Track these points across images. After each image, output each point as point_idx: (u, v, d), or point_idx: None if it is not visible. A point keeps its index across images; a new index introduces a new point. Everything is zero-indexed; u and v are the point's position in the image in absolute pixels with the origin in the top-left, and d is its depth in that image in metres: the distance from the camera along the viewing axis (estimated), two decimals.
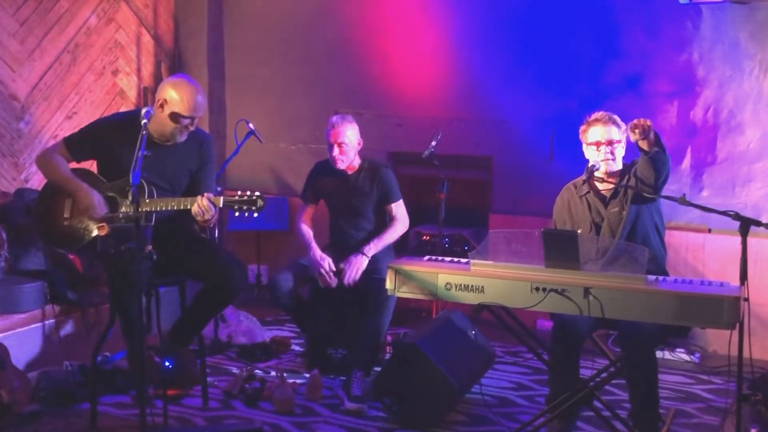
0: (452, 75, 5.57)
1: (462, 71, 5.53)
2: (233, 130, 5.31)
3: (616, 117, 3.66)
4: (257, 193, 3.44)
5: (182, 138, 3.66)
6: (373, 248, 4.25)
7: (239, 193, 3.46)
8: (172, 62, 6.18)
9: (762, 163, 4.79)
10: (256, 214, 3.45)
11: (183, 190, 3.74)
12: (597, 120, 3.66)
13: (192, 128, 3.66)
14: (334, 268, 4.24)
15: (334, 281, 4.23)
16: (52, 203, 3.68)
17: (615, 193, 3.64)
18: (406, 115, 5.71)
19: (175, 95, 3.57)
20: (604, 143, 3.62)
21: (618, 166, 3.67)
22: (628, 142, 3.62)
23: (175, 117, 3.57)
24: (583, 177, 3.65)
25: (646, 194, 3.50)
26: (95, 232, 3.59)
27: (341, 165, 4.35)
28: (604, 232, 3.64)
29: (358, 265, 4.20)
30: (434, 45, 5.60)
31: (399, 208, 4.43)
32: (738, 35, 4.78)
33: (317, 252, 4.29)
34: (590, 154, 3.68)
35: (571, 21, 5.18)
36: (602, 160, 3.63)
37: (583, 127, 3.71)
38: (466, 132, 5.51)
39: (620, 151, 3.66)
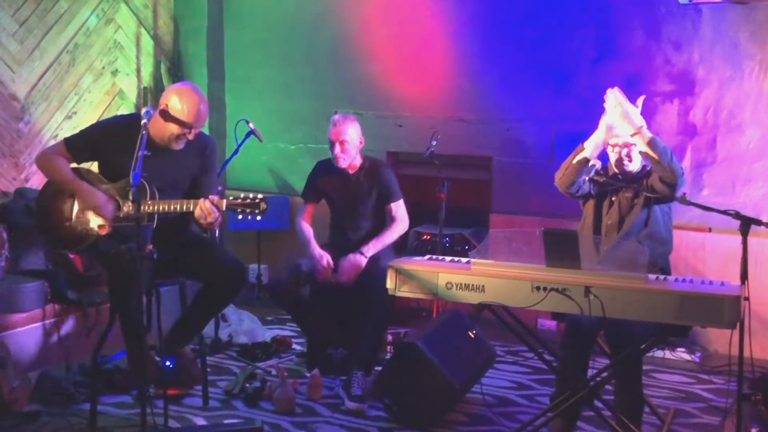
0: (452, 75, 5.57)
1: (462, 71, 5.54)
2: (233, 130, 5.32)
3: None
4: (260, 196, 3.41)
5: (179, 146, 3.62)
6: (372, 248, 4.26)
7: (242, 195, 3.43)
8: (172, 62, 6.18)
9: (762, 163, 4.79)
10: (259, 218, 3.42)
11: (185, 192, 3.72)
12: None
13: (191, 137, 3.61)
14: (333, 265, 4.25)
15: (332, 277, 4.24)
16: (54, 203, 3.67)
17: (632, 180, 3.68)
18: (406, 115, 5.71)
19: (177, 102, 3.55)
20: (620, 146, 3.65)
21: (635, 166, 3.70)
22: None
23: (174, 124, 3.56)
24: (585, 177, 3.65)
25: (663, 196, 3.58)
26: (97, 232, 3.58)
27: (343, 163, 4.35)
28: (612, 213, 3.67)
29: (356, 264, 4.21)
30: (434, 45, 5.60)
31: (399, 208, 4.43)
32: (738, 35, 4.78)
33: (316, 249, 4.30)
34: (609, 152, 3.74)
35: (571, 21, 5.18)
36: (618, 161, 3.69)
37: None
38: (466, 132, 5.51)
39: (637, 152, 3.68)
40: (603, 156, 3.73)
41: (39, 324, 4.28)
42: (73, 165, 3.73)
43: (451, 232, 5.28)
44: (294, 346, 4.79)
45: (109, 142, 3.63)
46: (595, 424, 3.66)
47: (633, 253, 3.46)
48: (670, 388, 4.25)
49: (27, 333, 4.22)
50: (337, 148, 4.31)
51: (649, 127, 3.93)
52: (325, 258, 4.26)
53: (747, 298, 3.00)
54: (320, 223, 4.56)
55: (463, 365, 3.87)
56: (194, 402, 3.91)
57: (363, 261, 4.22)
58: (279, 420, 3.75)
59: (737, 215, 3.14)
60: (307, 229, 4.43)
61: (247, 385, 4.07)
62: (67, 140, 3.72)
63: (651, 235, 3.63)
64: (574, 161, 3.67)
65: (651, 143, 3.50)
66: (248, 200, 3.41)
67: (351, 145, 4.33)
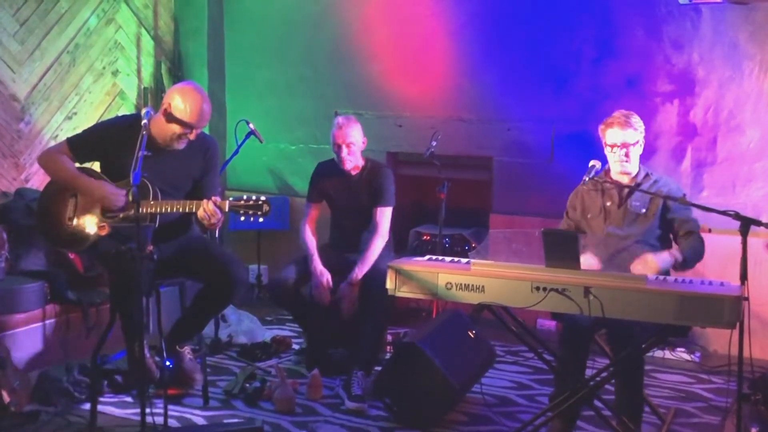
0: (452, 75, 5.57)
1: (462, 71, 5.54)
2: (233, 131, 5.32)
3: (633, 119, 3.67)
4: (263, 198, 3.41)
5: (180, 146, 3.63)
6: (358, 272, 4.22)
7: (245, 197, 3.43)
8: (173, 63, 6.18)
9: (762, 163, 4.79)
10: (261, 219, 3.42)
11: (186, 193, 3.73)
12: (614, 122, 3.67)
13: (192, 137, 3.62)
14: (332, 285, 4.25)
15: (328, 299, 4.24)
16: (55, 203, 3.68)
17: (637, 186, 3.67)
18: (406, 115, 5.71)
19: (179, 102, 3.55)
20: (619, 146, 3.64)
21: (633, 167, 3.69)
22: (646, 139, 3.72)
23: (176, 124, 3.56)
24: (585, 177, 3.64)
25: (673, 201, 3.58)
26: (97, 233, 3.58)
27: (349, 165, 4.35)
28: (613, 220, 3.67)
29: (351, 296, 4.21)
30: (434, 45, 5.60)
31: (383, 215, 4.35)
32: (738, 36, 4.78)
33: (318, 266, 4.28)
34: (607, 152, 3.72)
35: (571, 21, 5.18)
36: (616, 161, 3.67)
37: (601, 127, 3.73)
38: (466, 132, 5.51)
39: (636, 151, 3.67)
40: (602, 157, 3.73)
41: (39, 324, 4.28)
42: (76, 165, 3.73)
43: (451, 233, 5.29)
44: (294, 346, 4.79)
45: (111, 142, 3.63)
46: (595, 424, 3.67)
47: (633, 254, 3.46)
48: (670, 387, 4.25)
49: (27, 333, 4.22)
50: (344, 151, 4.31)
51: (648, 127, 3.95)
52: (326, 278, 4.25)
53: (747, 299, 2.99)
54: (319, 222, 4.55)
55: (463, 365, 3.87)
56: (194, 402, 3.91)
57: (356, 289, 4.20)
58: (279, 420, 3.75)
59: (737, 216, 3.13)
60: (311, 241, 4.39)
61: (247, 385, 4.07)
62: (69, 140, 3.73)
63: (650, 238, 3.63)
64: None
65: (682, 266, 3.53)
66: (251, 202, 3.41)
67: (356, 147, 4.33)
